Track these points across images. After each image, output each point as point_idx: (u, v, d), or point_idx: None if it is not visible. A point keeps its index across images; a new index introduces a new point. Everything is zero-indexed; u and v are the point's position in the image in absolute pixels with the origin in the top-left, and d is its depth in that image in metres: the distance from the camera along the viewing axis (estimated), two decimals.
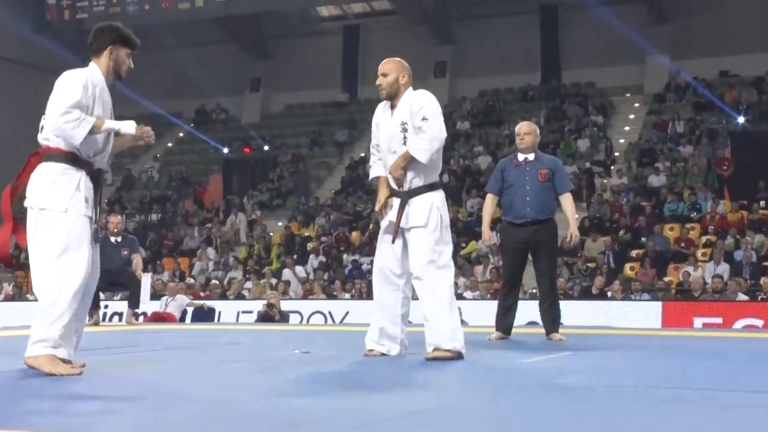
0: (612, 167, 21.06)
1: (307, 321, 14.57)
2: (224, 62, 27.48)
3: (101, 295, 11.13)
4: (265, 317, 12.76)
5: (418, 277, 5.23)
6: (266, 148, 25.86)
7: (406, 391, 4.12)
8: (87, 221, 4.44)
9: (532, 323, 10.17)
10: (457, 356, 5.19)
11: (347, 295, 16.52)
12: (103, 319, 13.08)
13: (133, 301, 10.87)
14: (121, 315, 14.02)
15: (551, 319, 7.32)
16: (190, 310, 14.20)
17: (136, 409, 3.43)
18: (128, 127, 4.57)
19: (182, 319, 13.88)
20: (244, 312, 15.14)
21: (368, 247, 19.33)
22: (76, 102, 4.40)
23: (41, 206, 4.39)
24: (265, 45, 28.34)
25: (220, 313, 14.83)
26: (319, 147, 26.03)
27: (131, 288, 10.81)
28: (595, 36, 23.90)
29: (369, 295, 16.21)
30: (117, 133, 4.56)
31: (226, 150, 26.15)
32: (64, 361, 4.35)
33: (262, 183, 24.62)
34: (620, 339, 7.73)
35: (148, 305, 12.89)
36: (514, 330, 7.48)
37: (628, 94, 24.88)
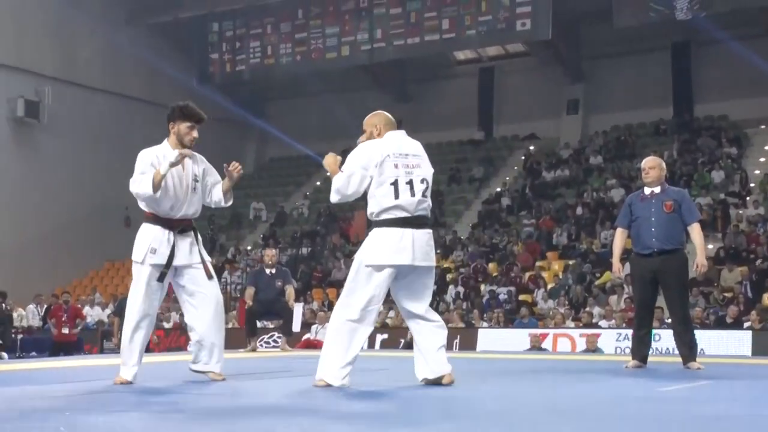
0: (747, 198, 20.11)
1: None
2: (368, 106, 27.45)
3: (258, 323, 11.45)
4: (410, 345, 12.76)
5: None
6: None
7: (538, 417, 4.04)
8: (153, 267, 5.35)
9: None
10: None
11: (485, 324, 16.39)
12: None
13: (286, 329, 11.13)
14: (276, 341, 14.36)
15: (688, 347, 7.04)
16: None
17: (289, 427, 3.49)
18: (170, 157, 5.36)
19: None
20: (386, 339, 15.26)
21: (505, 278, 19.15)
22: (141, 171, 5.35)
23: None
24: (405, 89, 28.71)
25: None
26: (457, 183, 26.04)
27: (284, 316, 11.08)
28: (728, 69, 23.02)
29: (506, 324, 16.12)
30: (173, 165, 5.34)
31: None
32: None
33: None
34: (760, 369, 7.33)
35: (299, 333, 13.18)
36: (651, 358, 7.23)
37: (762, 126, 23.75)
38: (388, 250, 5.01)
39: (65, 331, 15.46)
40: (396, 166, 5.09)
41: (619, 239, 7.49)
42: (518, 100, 26.42)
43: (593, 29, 24.51)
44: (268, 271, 11.08)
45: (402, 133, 5.37)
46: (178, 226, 5.43)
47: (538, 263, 19.69)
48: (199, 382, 5.46)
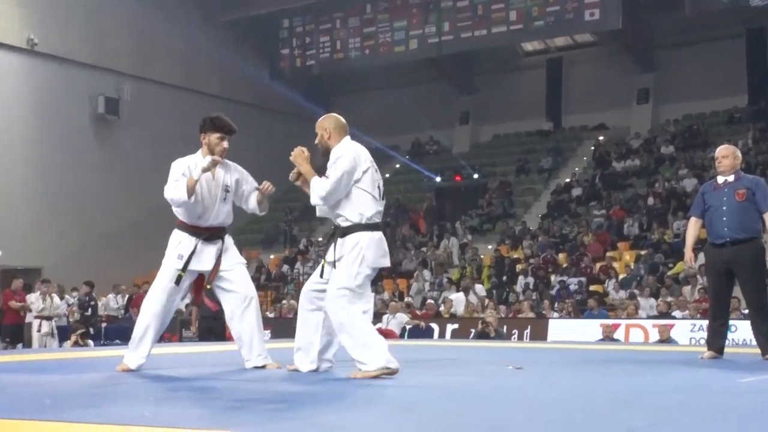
0: None
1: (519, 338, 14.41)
2: (435, 98, 27.88)
3: None
4: (480, 335, 12.72)
5: None
6: (476, 176, 25.90)
7: (617, 408, 3.95)
8: (174, 272, 5.60)
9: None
10: None
11: (555, 314, 16.20)
12: None
13: None
14: None
15: (766, 338, 6.82)
16: (408, 327, 14.41)
17: (372, 416, 3.49)
18: (202, 163, 5.58)
19: (402, 336, 14.10)
20: (456, 329, 15.21)
21: (575, 269, 18.89)
22: (175, 179, 5.57)
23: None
24: (472, 81, 28.49)
25: (435, 330, 14.97)
26: (525, 174, 25.77)
27: None
28: None
29: (576, 314, 15.90)
30: (206, 170, 5.57)
31: (438, 179, 26.45)
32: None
33: (473, 209, 24.68)
34: None
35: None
36: (727, 350, 7.04)
37: None
38: (377, 254, 5.20)
39: None
40: (376, 171, 5.36)
41: (692, 229, 7.32)
42: (587, 90, 25.96)
43: (664, 17, 23.90)
44: None
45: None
46: (204, 234, 5.64)
47: (608, 254, 19.36)
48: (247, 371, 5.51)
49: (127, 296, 19.24)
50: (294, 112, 27.78)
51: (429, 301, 18.02)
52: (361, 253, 5.13)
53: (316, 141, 5.49)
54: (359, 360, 5.10)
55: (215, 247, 5.65)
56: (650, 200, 21.07)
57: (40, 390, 4.62)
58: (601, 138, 25.50)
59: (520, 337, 14.64)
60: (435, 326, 15.23)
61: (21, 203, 21.94)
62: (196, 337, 14.27)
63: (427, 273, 20.95)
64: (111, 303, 19.29)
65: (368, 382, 4.90)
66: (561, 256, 19.90)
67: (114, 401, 4.13)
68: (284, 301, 19.66)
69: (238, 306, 5.68)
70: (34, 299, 15.32)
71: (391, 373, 5.06)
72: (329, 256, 5.27)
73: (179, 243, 5.65)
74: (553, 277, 18.87)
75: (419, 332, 14.31)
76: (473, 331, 13.55)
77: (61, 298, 16.45)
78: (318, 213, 5.44)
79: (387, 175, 28.92)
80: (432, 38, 24.80)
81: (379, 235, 5.26)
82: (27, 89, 22.59)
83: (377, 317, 14.81)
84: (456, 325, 15.50)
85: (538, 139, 27.03)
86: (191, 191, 5.51)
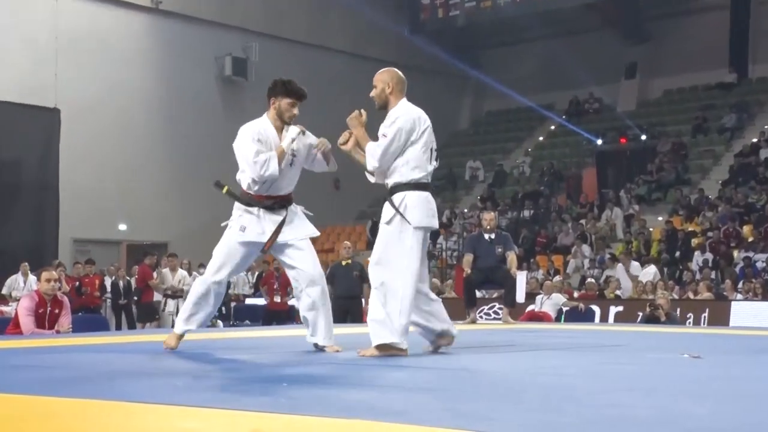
0: None
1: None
2: (597, 50, 27.17)
3: (477, 293, 11.48)
4: (649, 318, 12.38)
5: None
6: (644, 137, 25.16)
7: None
8: (238, 243, 5.77)
9: None
10: None
11: (739, 296, 15.58)
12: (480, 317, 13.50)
13: (509, 300, 11.07)
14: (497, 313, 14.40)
15: None
16: (565, 309, 14.22)
17: (519, 410, 3.45)
18: (290, 133, 5.72)
19: (558, 319, 13.93)
20: (620, 312, 14.89)
21: (763, 243, 18.10)
22: (256, 152, 5.64)
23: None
24: (642, 28, 27.56)
25: (596, 312, 14.70)
26: (704, 134, 24.83)
27: (506, 286, 11.02)
28: None
29: (765, 296, 15.22)
30: (294, 140, 5.72)
31: (600, 141, 25.86)
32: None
33: (640, 175, 24.00)
34: None
35: (523, 304, 13.13)
36: None
37: None
38: (423, 213, 5.45)
39: (277, 299, 16.25)
40: (431, 133, 5.62)
41: None
42: None
43: None
44: (486, 236, 11.03)
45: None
46: (268, 202, 5.78)
47: None
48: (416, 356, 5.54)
49: (256, 273, 19.85)
50: (436, 69, 27.76)
51: (589, 280, 17.73)
52: (407, 214, 5.38)
53: (373, 94, 5.63)
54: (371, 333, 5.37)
55: (279, 216, 5.78)
56: None
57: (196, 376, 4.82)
58: None
59: (696, 322, 14.21)
60: (596, 308, 14.97)
61: (145, 175, 22.99)
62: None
63: (586, 248, 20.62)
64: (241, 281, 19.96)
65: (542, 369, 4.85)
66: (746, 229, 19.21)
67: (251, 390, 4.26)
68: None
69: (300, 285, 5.83)
70: (165, 274, 15.86)
71: (396, 353, 5.28)
72: (383, 217, 5.53)
73: (242, 214, 5.80)
74: (736, 253, 18.27)
75: (578, 315, 14.10)
76: (641, 314, 13.23)
77: (189, 274, 17.12)
78: (372, 179, 5.67)
79: (540, 138, 28.60)
80: None
81: (425, 194, 5.52)
82: (150, 51, 23.57)
83: (530, 297, 14.67)
84: (620, 308, 15.17)
85: (718, 94, 26.05)
86: (281, 163, 5.67)
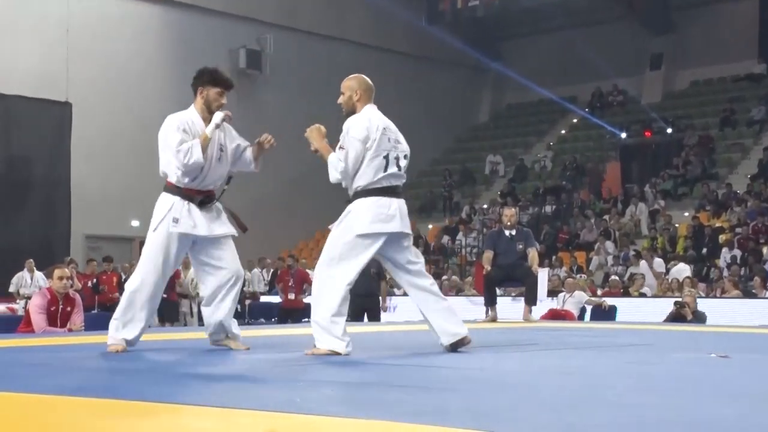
0: None
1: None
2: (621, 40, 27.06)
3: (497, 290, 11.46)
4: (675, 317, 12.32)
5: None
6: (669, 130, 25.01)
7: None
8: (172, 236, 5.68)
9: None
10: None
11: None
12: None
13: (530, 298, 11.04)
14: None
15: None
16: (589, 307, 14.17)
17: (543, 411, 3.45)
18: (215, 118, 5.69)
19: (581, 317, 13.88)
20: (645, 310, 14.82)
21: None
22: (180, 141, 5.63)
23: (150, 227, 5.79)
24: (667, 17, 27.40)
25: (620, 311, 14.64)
26: (732, 127, 24.67)
27: (527, 283, 11.00)
28: None
29: None
30: (218, 126, 5.72)
31: (624, 135, 25.73)
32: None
33: (665, 169, 23.87)
34: None
35: (544, 302, 13.09)
36: None
37: None
38: (369, 219, 5.51)
39: (291, 296, 16.27)
40: (389, 140, 5.61)
41: None
42: None
43: None
44: (507, 232, 11.01)
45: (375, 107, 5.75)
46: (197, 197, 5.75)
47: None
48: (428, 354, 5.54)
49: (271, 271, 19.89)
50: (454, 60, 27.73)
51: (613, 277, 17.66)
52: (350, 221, 5.53)
53: (340, 100, 5.73)
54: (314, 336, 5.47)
55: (209, 213, 5.79)
56: None
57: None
58: None
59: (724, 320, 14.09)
60: (620, 306, 14.89)
61: (157, 170, 22.90)
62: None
63: (610, 245, 20.54)
64: (256, 278, 20.01)
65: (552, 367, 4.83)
66: None
67: (268, 386, 4.27)
68: (445, 277, 19.75)
69: (222, 287, 5.79)
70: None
71: (335, 353, 5.33)
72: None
73: (171, 206, 5.71)
74: (765, 250, 18.14)
75: (601, 313, 14.04)
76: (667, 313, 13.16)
77: None
78: (343, 185, 5.74)
79: (562, 132, 28.50)
80: None
81: (376, 199, 5.55)
82: (163, 44, 23.66)
83: (552, 294, 14.62)
84: (646, 306, 15.10)
85: (747, 85, 25.87)
86: (205, 151, 5.67)
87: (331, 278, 5.50)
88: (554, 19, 26.51)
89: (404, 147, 5.73)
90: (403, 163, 5.69)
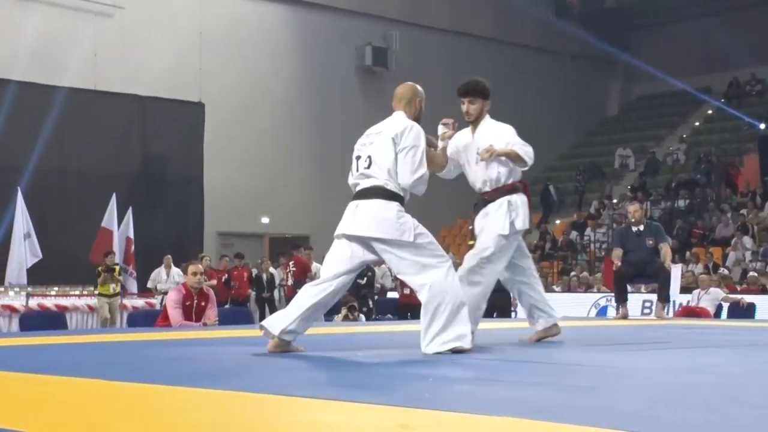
0: None
1: None
2: (760, 27, 26.06)
3: (628, 287, 11.22)
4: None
5: None
6: None
7: None
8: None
9: None
10: None
11: None
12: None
13: (662, 294, 10.77)
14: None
15: None
16: (725, 305, 13.75)
17: (680, 410, 3.36)
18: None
19: (717, 315, 13.48)
20: None
21: None
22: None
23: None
24: None
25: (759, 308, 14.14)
26: None
27: (660, 280, 10.72)
28: None
29: None
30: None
31: (762, 126, 24.80)
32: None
33: None
34: None
35: (678, 298, 12.74)
36: None
37: None
38: (342, 222, 5.50)
39: (407, 291, 16.29)
40: (361, 142, 5.60)
41: None
42: None
43: None
44: (634, 228, 10.76)
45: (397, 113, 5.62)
46: None
47: None
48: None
49: None
50: (583, 53, 27.28)
51: (751, 273, 17.07)
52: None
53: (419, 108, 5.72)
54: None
55: None
56: None
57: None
58: None
59: None
60: (759, 304, 14.38)
61: (286, 168, 23.53)
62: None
63: (747, 240, 19.85)
64: (381, 274, 20.13)
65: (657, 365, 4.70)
66: None
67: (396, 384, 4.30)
68: (573, 273, 19.47)
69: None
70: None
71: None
72: None
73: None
74: None
75: (739, 311, 13.59)
76: None
77: None
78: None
79: (696, 124, 27.68)
80: None
81: (349, 204, 5.53)
82: (291, 43, 24.08)
83: (686, 291, 14.23)
84: None
85: None
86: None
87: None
88: (687, 7, 25.77)
89: (370, 149, 5.62)
90: (362, 164, 5.72)
